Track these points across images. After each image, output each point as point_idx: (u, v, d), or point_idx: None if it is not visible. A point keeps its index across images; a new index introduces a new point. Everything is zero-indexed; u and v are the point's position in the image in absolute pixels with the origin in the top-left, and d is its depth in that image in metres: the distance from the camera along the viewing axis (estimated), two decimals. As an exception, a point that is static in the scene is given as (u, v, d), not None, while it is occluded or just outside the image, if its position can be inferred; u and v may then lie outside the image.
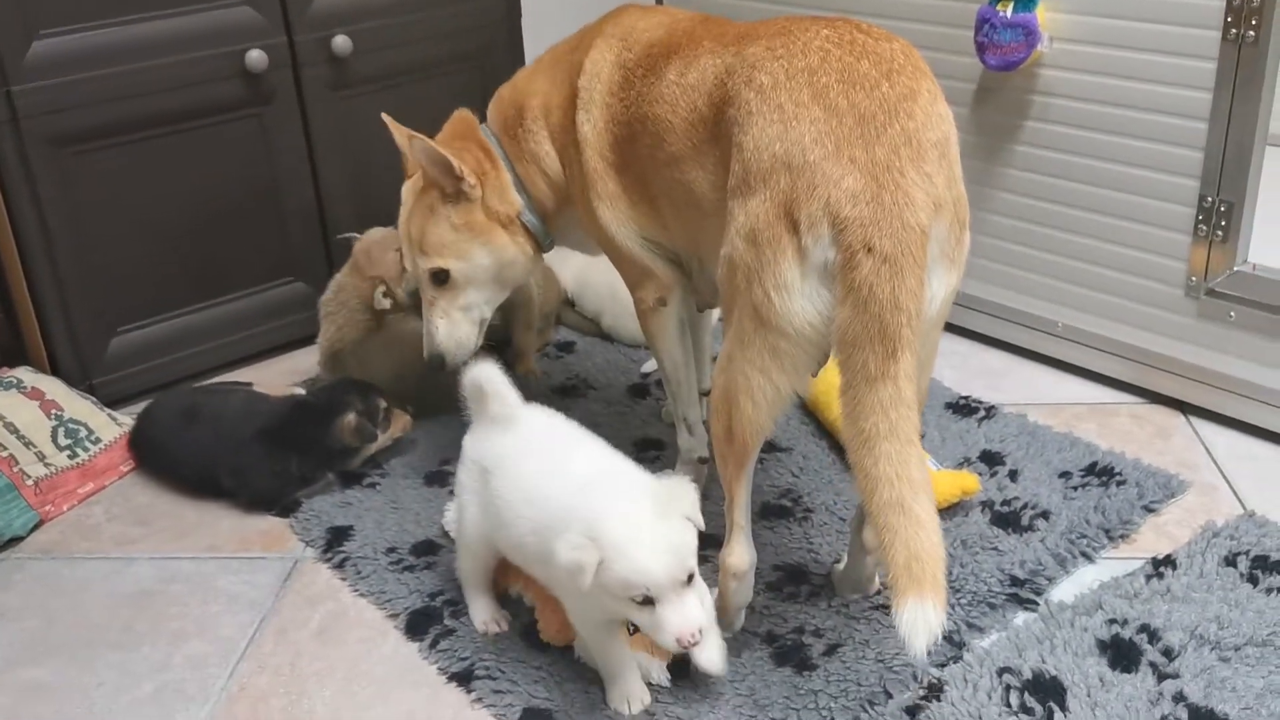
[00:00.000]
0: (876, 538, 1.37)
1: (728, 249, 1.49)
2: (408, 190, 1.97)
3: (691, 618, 1.43)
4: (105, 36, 2.24)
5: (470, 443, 1.70)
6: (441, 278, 1.93)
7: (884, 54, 1.47)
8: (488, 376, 1.68)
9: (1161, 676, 1.55)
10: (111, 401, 2.36)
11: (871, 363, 1.36)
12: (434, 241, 1.91)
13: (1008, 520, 1.90)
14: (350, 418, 2.07)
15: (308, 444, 2.06)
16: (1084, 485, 1.99)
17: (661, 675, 1.61)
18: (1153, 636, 1.62)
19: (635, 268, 1.87)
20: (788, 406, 1.51)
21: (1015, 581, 1.76)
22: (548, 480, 1.56)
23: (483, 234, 1.91)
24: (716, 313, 2.25)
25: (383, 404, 2.13)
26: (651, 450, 2.19)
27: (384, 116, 1.95)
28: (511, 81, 1.99)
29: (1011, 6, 2.18)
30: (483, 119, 2.00)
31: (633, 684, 1.57)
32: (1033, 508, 1.93)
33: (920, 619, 1.29)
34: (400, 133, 1.92)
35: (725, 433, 1.55)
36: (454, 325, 1.97)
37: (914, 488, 1.35)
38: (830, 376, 2.07)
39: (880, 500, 1.34)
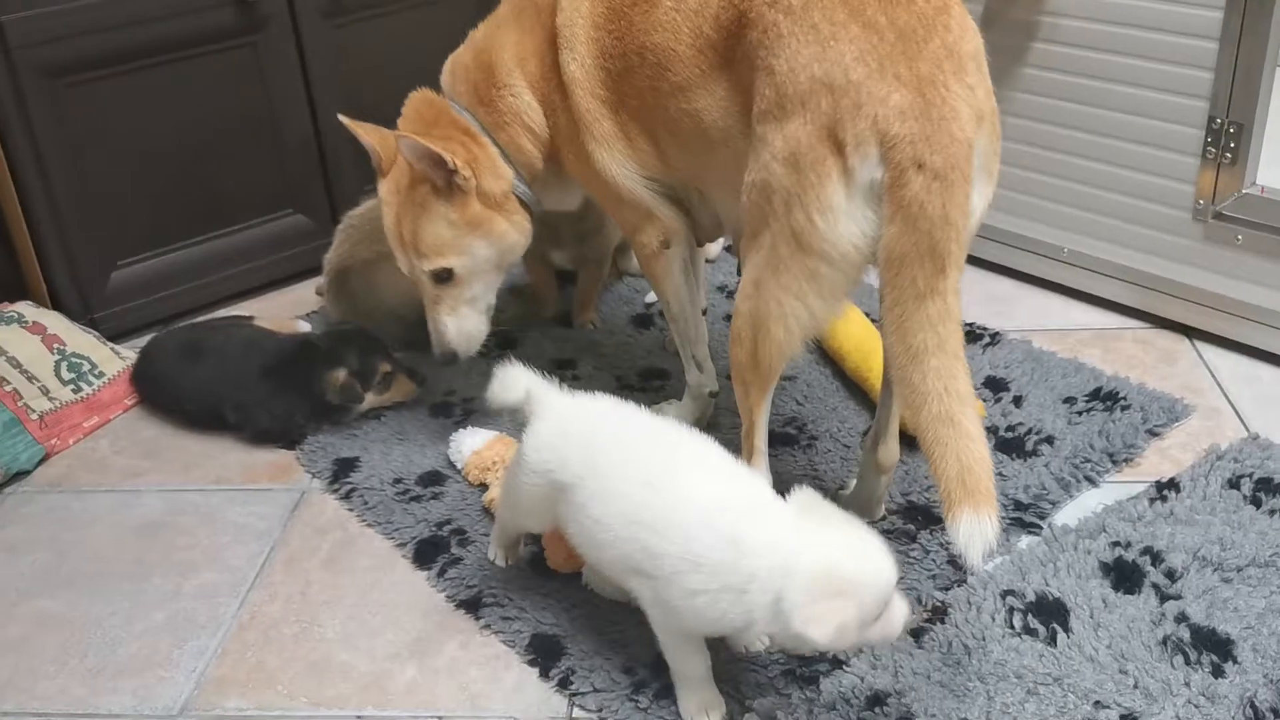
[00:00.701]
0: (926, 450, 1.38)
1: (758, 174, 1.47)
2: (388, 189, 1.86)
3: (901, 603, 1.31)
4: (95, -36, 2.20)
5: (533, 452, 1.49)
6: (444, 276, 1.87)
7: None
8: (526, 386, 1.53)
9: (1164, 598, 1.57)
10: (113, 335, 2.35)
11: (920, 279, 1.37)
12: (432, 242, 1.84)
13: (1012, 446, 1.91)
14: (340, 374, 2.03)
15: (307, 388, 2.05)
16: (1088, 410, 1.99)
17: None
18: (1156, 558, 1.63)
19: (636, 211, 1.82)
20: (818, 332, 1.51)
21: (1019, 506, 1.77)
22: (667, 503, 1.35)
23: (482, 225, 1.85)
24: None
25: (385, 367, 2.08)
26: (656, 380, 2.19)
27: (341, 118, 1.87)
28: (468, 44, 1.90)
29: (1020, -76, 2.13)
30: (437, 93, 1.91)
31: (709, 693, 1.45)
32: (1037, 433, 1.93)
33: (976, 530, 1.32)
34: (368, 133, 1.85)
35: (750, 359, 1.55)
36: (462, 320, 1.92)
37: (962, 401, 1.37)
38: (848, 326, 2.08)
39: (930, 414, 1.36)
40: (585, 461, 1.44)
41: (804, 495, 1.33)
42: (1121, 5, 2.12)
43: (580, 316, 2.39)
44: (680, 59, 1.63)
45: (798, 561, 1.25)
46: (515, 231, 1.89)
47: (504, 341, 2.29)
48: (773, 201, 1.45)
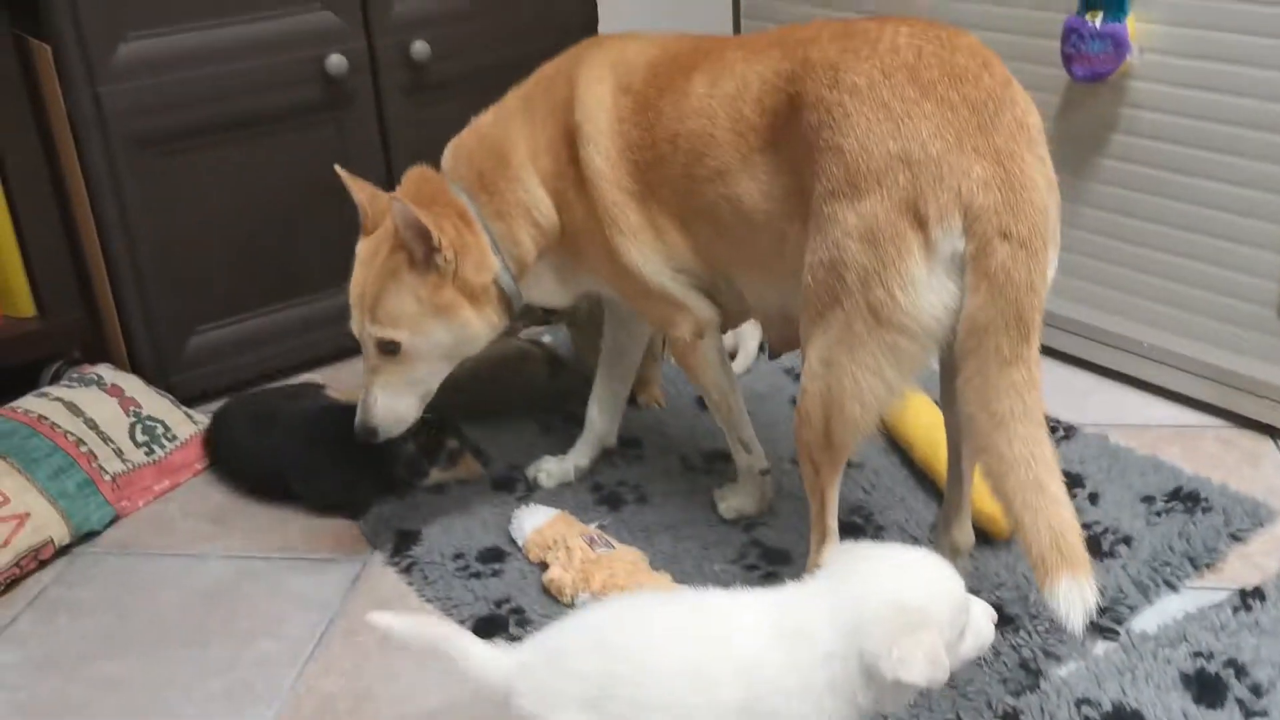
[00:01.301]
0: (1011, 521, 1.40)
1: (826, 253, 1.48)
2: (366, 249, 1.81)
3: (980, 605, 1.31)
4: (191, 39, 2.27)
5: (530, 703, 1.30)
6: (390, 348, 1.79)
7: (969, 46, 1.51)
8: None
9: (1249, 714, 1.50)
10: (187, 399, 2.39)
11: (1006, 346, 1.39)
12: (391, 310, 1.77)
13: (1088, 545, 1.83)
14: (407, 448, 2.02)
15: (372, 460, 2.04)
16: (1168, 511, 1.92)
17: None
18: (1240, 671, 1.56)
19: (666, 303, 1.81)
20: (893, 408, 1.52)
21: (1095, 609, 1.70)
22: (709, 681, 1.25)
23: (447, 310, 1.77)
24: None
25: (452, 443, 2.07)
26: (720, 463, 2.16)
27: (338, 170, 1.83)
28: (475, 130, 1.87)
29: (1101, 17, 2.12)
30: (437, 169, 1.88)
31: None
32: (1114, 533, 1.87)
33: (1077, 594, 1.34)
34: (360, 189, 1.81)
35: (822, 438, 1.55)
36: (395, 398, 1.82)
37: (1049, 468, 1.40)
38: (917, 414, 2.06)
39: (1018, 481, 1.38)
40: (615, 678, 1.27)
41: (832, 553, 1.33)
42: (1204, 100, 2.09)
43: (644, 394, 2.37)
44: (718, 144, 1.64)
45: (860, 616, 1.22)
46: (481, 324, 1.81)
47: (568, 416, 2.28)
48: (846, 278, 1.45)
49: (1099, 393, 2.35)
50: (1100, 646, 1.65)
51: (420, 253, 1.74)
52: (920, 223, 1.41)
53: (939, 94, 1.44)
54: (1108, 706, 1.52)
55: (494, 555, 1.93)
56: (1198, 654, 1.60)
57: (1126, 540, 1.85)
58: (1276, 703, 1.51)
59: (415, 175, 1.86)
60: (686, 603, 1.38)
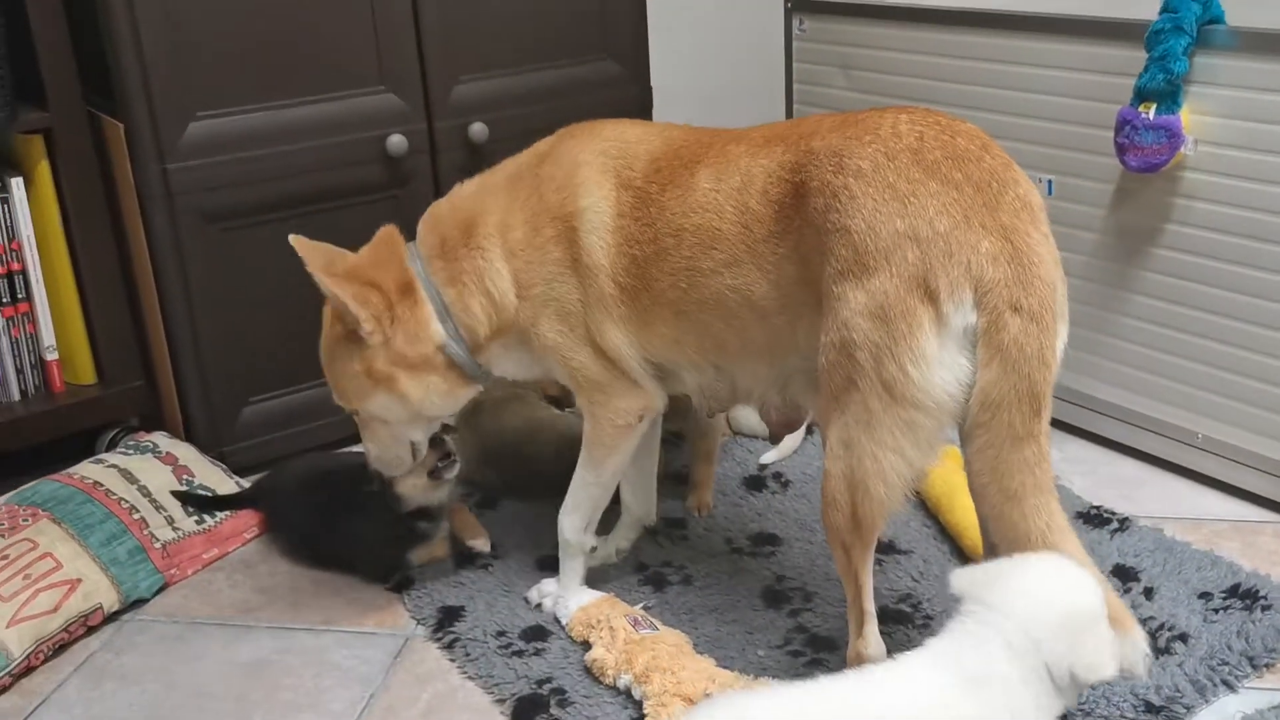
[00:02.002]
0: None
1: (837, 333, 1.49)
2: (327, 316, 1.86)
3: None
4: (257, 120, 2.35)
5: None
6: (357, 415, 1.90)
7: (969, 131, 1.55)
8: None
9: (1312, 823, 1.44)
10: (239, 469, 2.42)
11: (1018, 422, 1.42)
12: (337, 382, 1.86)
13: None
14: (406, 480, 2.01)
15: (380, 508, 2.04)
16: (1225, 608, 1.88)
17: None
18: (1303, 778, 1.51)
19: (623, 383, 1.82)
20: (917, 484, 1.52)
21: (1150, 708, 1.66)
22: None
23: (383, 381, 1.80)
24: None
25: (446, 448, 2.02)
26: (767, 545, 2.15)
27: (292, 239, 1.78)
28: (450, 198, 1.88)
29: (1154, 108, 2.13)
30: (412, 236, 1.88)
31: None
32: (1170, 629, 1.83)
33: (1132, 649, 1.40)
34: (309, 256, 1.76)
35: (849, 520, 1.54)
36: (383, 448, 1.92)
37: (1064, 534, 1.45)
38: (950, 475, 2.05)
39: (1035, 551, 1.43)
40: None
41: (964, 578, 1.36)
42: (1258, 191, 2.08)
43: (694, 497, 2.28)
44: (725, 237, 1.66)
45: (1035, 636, 1.28)
46: (424, 392, 1.82)
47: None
48: (857, 357, 1.47)
49: (1152, 484, 2.31)
50: (1156, 747, 1.61)
51: (351, 324, 1.77)
52: (931, 298, 1.43)
53: (943, 174, 1.47)
54: (1164, 810, 1.47)
55: (537, 634, 1.92)
56: (1258, 758, 1.55)
57: (1183, 637, 1.81)
58: (1342, 812, 1.46)
59: (381, 236, 1.87)
60: (860, 687, 1.36)
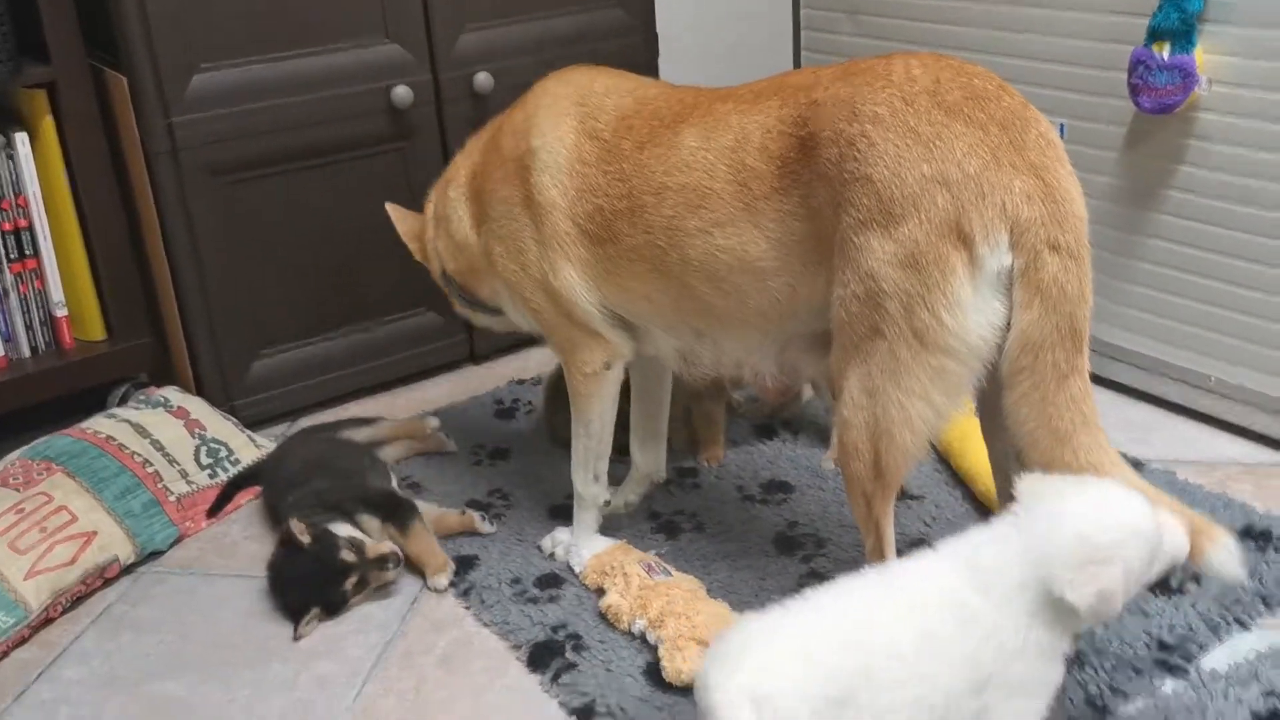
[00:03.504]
0: None
1: (859, 285, 1.47)
2: None
3: (1174, 524, 1.36)
4: (260, 72, 2.33)
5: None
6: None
7: (982, 72, 1.53)
8: None
9: (1326, 756, 1.45)
10: (251, 423, 2.43)
11: (1062, 359, 1.41)
12: None
13: (1156, 582, 1.80)
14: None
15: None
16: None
17: None
18: (1316, 713, 1.52)
19: (582, 331, 1.84)
20: (942, 432, 1.52)
21: (1164, 647, 1.67)
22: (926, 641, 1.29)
23: (443, 288, 2.09)
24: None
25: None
26: (779, 493, 2.15)
27: (388, 207, 2.12)
28: (467, 147, 2.02)
29: (1168, 48, 2.10)
30: None
31: None
32: (1183, 569, 1.83)
33: (1223, 554, 1.38)
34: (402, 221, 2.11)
35: (872, 470, 1.53)
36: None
37: (1118, 465, 1.44)
38: (962, 421, 2.04)
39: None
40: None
41: (1028, 484, 1.34)
42: (1272, 132, 2.06)
43: (706, 453, 2.27)
44: (717, 196, 1.63)
45: (1047, 549, 1.27)
46: (465, 312, 2.11)
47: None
48: (887, 307, 1.45)
49: (1165, 428, 2.31)
50: (1169, 685, 1.61)
51: None
52: (964, 242, 1.41)
53: (966, 114, 1.45)
54: (1178, 746, 1.48)
55: (552, 581, 1.93)
56: (1270, 693, 1.55)
57: (1196, 578, 1.81)
58: (1355, 746, 1.46)
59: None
60: (886, 582, 1.37)
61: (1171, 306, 2.30)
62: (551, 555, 1.99)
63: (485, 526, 2.07)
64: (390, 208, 2.12)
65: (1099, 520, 1.28)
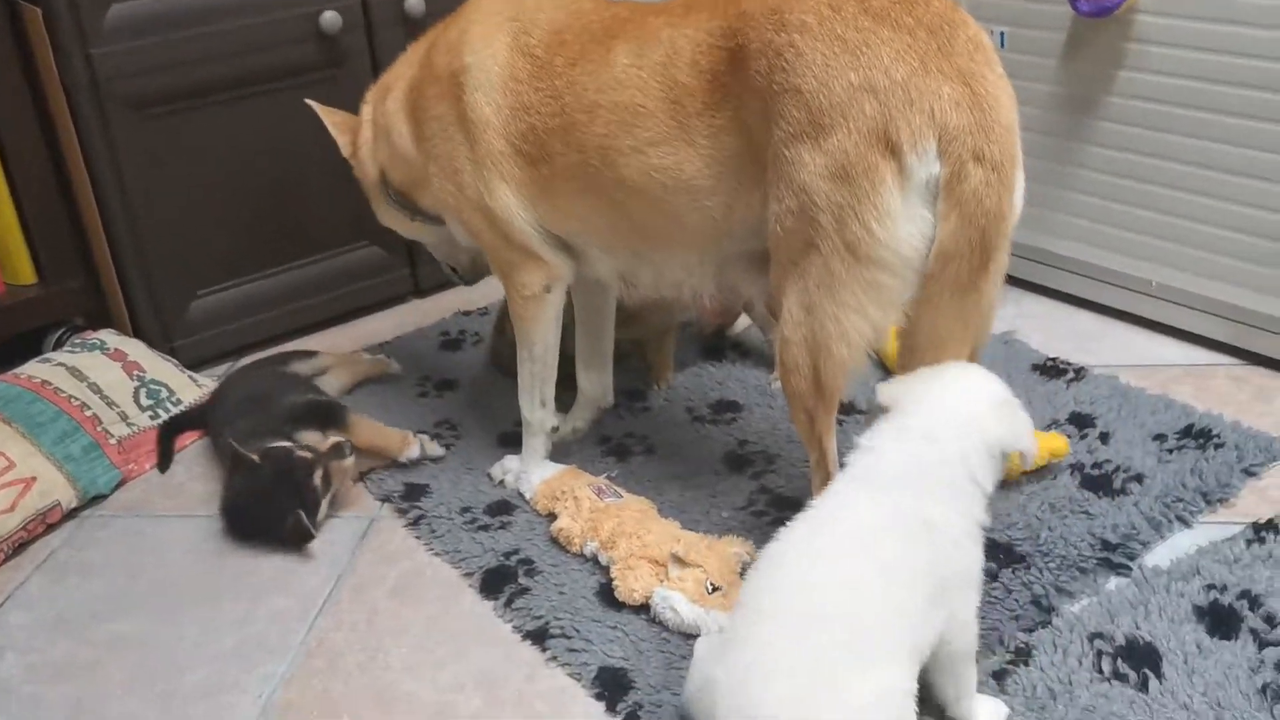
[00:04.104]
0: None
1: (792, 199, 1.45)
2: None
3: None
4: (181, -1, 2.25)
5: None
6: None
7: None
8: None
9: (1263, 644, 1.48)
10: (192, 364, 2.39)
11: (965, 273, 1.41)
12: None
13: (1099, 483, 1.84)
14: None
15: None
16: (1179, 448, 1.91)
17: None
18: (1254, 603, 1.55)
19: (520, 253, 1.81)
20: (879, 344, 1.51)
21: (1107, 546, 1.70)
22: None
23: (371, 193, 2.06)
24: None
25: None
26: (728, 412, 2.15)
27: (308, 102, 2.05)
28: (405, 55, 1.98)
29: (1105, -51, 2.08)
30: None
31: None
32: (1125, 471, 1.86)
33: None
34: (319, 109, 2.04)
35: (812, 385, 1.52)
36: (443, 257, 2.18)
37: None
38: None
39: None
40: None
41: (888, 390, 1.41)
42: (1213, 32, 2.05)
43: (654, 376, 2.27)
44: (650, 114, 1.59)
45: (972, 411, 1.36)
46: (387, 213, 2.07)
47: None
48: (819, 220, 1.43)
49: (1108, 335, 2.33)
50: (1113, 582, 1.64)
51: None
52: (892, 151, 1.38)
53: (893, 19, 1.41)
54: (1120, 640, 1.51)
55: (502, 508, 1.92)
56: (1211, 586, 1.58)
57: (1138, 478, 1.84)
58: (1291, 633, 1.50)
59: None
60: (821, 519, 1.36)
61: (1113, 213, 2.31)
62: (501, 483, 1.98)
63: (434, 448, 2.06)
64: (314, 104, 2.04)
65: (997, 385, 1.40)
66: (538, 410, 1.95)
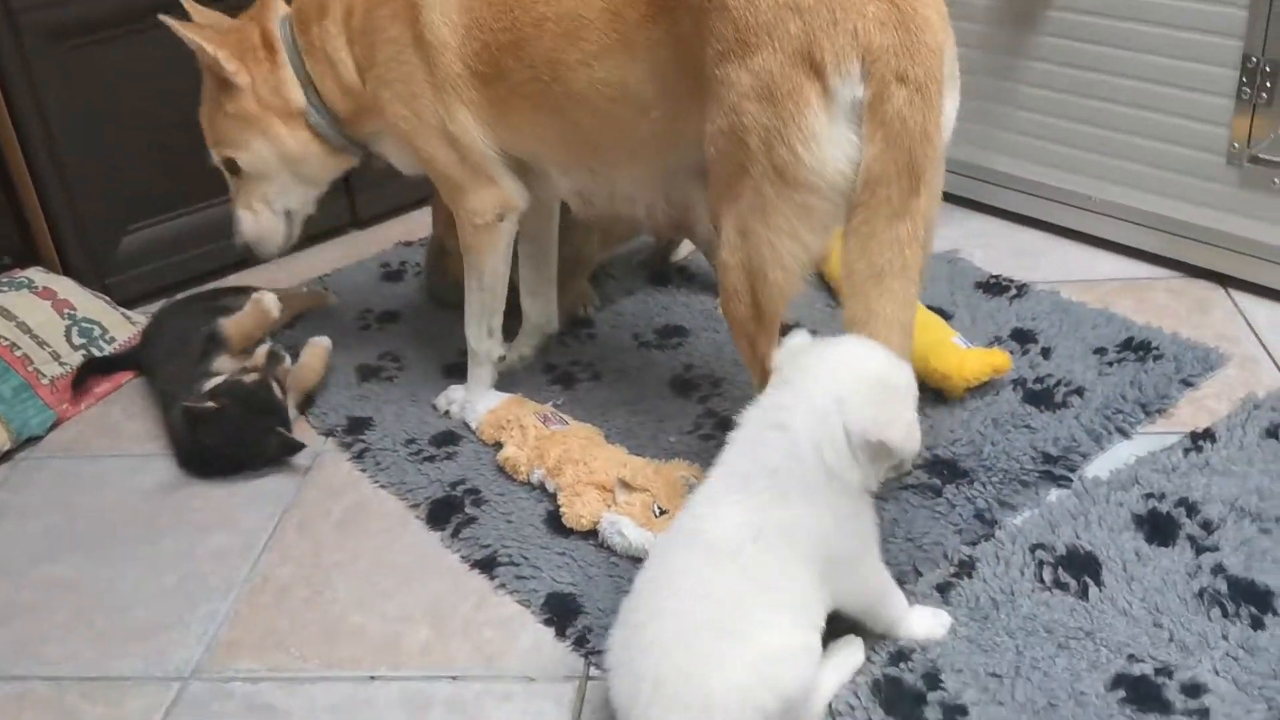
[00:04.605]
0: None
1: (724, 120, 1.42)
2: (205, 80, 1.90)
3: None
4: (97, -79, 2.16)
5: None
6: (232, 167, 1.91)
7: None
8: None
9: (1200, 550, 1.51)
10: (125, 301, 2.33)
11: (896, 197, 1.36)
12: (216, 130, 1.89)
13: (1040, 398, 1.85)
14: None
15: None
16: (1119, 361, 1.93)
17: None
18: (1191, 510, 1.58)
19: (478, 179, 1.77)
20: (815, 267, 1.49)
21: (1048, 459, 1.72)
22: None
23: (258, 124, 1.86)
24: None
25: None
26: (674, 337, 2.14)
27: (162, 18, 1.81)
28: None
29: None
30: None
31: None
32: (1066, 384, 1.87)
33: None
34: (188, 31, 1.82)
35: (751, 310, 1.51)
36: (256, 216, 1.94)
37: (907, 336, 1.43)
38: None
39: (878, 338, 1.38)
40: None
41: (785, 348, 1.33)
42: (1152, -58, 2.04)
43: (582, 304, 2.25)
44: (593, 26, 1.56)
45: (837, 396, 1.25)
46: (296, 143, 1.87)
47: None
48: (748, 143, 1.40)
49: (1050, 251, 2.34)
50: (1054, 494, 1.66)
51: (215, 70, 1.82)
52: (817, 72, 1.35)
53: None
54: (1061, 550, 1.53)
55: (447, 439, 1.90)
56: (1149, 495, 1.61)
57: (1079, 391, 1.85)
58: (1227, 538, 1.52)
59: (258, 3, 1.89)
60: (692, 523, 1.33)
61: (1053, 129, 2.31)
62: (446, 413, 1.96)
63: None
64: (172, 22, 1.80)
65: (876, 361, 1.28)
66: (485, 340, 1.92)
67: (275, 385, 1.89)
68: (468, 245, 1.84)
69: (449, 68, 1.69)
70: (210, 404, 1.83)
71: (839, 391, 1.25)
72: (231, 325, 1.99)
